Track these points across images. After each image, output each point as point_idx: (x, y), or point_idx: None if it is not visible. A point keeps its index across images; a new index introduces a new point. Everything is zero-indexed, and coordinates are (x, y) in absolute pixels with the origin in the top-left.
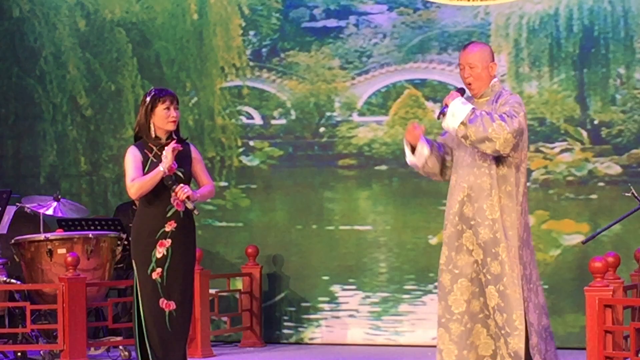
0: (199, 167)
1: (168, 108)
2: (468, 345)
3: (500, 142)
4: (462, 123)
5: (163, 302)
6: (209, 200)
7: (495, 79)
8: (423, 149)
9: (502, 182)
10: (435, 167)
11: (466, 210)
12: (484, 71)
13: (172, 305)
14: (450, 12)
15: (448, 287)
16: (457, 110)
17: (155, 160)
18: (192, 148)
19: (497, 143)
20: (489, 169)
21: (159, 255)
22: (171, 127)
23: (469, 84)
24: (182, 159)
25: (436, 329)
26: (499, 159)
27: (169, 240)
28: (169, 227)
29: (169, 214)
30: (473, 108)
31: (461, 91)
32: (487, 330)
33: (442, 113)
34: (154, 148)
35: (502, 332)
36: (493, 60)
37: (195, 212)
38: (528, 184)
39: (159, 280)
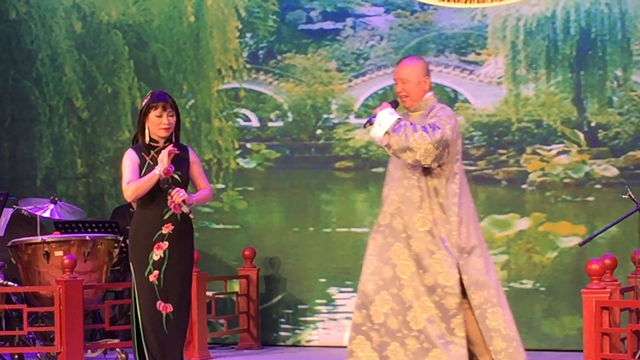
0: (196, 170)
1: (160, 115)
2: (384, 358)
3: (421, 152)
4: (387, 132)
5: (160, 305)
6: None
7: (429, 94)
8: None
9: (433, 194)
10: None
11: (395, 224)
12: (416, 86)
13: (170, 307)
14: (447, 14)
15: (371, 296)
16: (384, 119)
17: (152, 163)
18: (190, 151)
19: (418, 153)
20: (418, 182)
21: (156, 258)
22: (163, 133)
23: (402, 98)
24: (180, 162)
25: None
26: (428, 171)
27: (166, 243)
28: (166, 229)
29: (166, 217)
30: (399, 118)
31: (394, 103)
32: (405, 350)
33: (370, 122)
34: (151, 151)
35: (441, 340)
36: (427, 74)
37: (191, 216)
38: (524, 185)
39: (156, 282)
